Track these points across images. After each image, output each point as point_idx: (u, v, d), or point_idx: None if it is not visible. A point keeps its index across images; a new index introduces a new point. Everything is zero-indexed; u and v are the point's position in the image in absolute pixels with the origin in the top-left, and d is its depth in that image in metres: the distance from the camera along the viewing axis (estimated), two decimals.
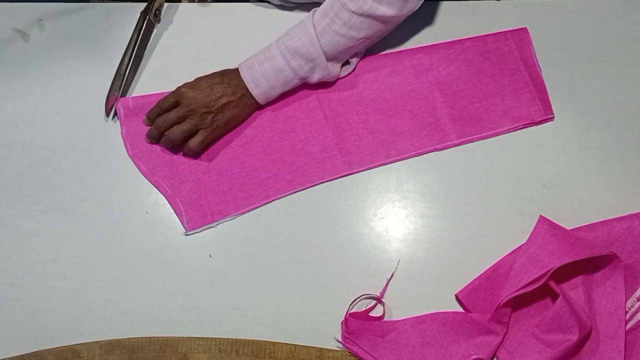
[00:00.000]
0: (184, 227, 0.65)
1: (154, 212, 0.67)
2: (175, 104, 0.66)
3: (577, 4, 0.73)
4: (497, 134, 0.68)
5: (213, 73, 0.67)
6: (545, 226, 0.61)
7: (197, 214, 0.66)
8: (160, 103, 0.67)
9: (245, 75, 0.66)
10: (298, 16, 0.74)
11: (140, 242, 0.65)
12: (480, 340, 0.59)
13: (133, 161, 0.68)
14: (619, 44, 0.71)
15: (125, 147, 0.69)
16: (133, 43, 0.70)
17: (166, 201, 0.67)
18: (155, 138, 0.68)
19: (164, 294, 0.63)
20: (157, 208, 0.67)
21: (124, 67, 0.70)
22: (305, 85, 0.70)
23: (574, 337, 0.55)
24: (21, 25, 0.76)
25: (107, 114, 0.70)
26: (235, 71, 0.67)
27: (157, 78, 0.72)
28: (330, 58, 0.66)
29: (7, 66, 0.74)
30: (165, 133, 0.67)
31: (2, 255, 0.66)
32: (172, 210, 0.66)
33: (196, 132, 0.66)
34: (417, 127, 0.68)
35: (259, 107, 0.69)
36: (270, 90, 0.66)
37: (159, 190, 0.67)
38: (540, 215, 0.63)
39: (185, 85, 0.66)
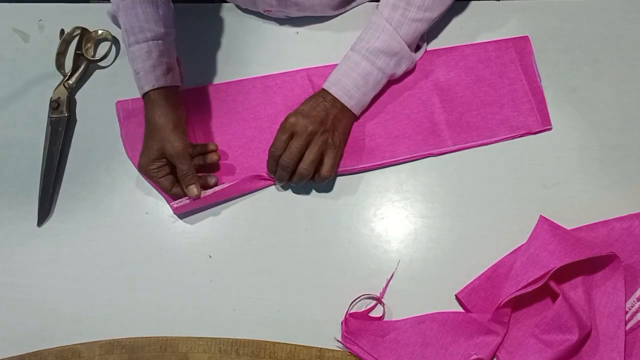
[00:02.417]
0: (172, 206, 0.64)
1: (154, 212, 0.67)
2: (289, 139, 0.63)
3: (577, 4, 0.73)
4: (493, 142, 0.68)
5: (304, 101, 0.65)
6: (546, 226, 0.61)
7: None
8: (275, 148, 0.63)
9: (335, 92, 0.64)
10: (289, 29, 0.75)
11: (140, 242, 0.65)
12: (480, 340, 0.59)
13: (132, 162, 0.68)
14: (619, 44, 0.71)
15: (125, 148, 0.69)
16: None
17: (166, 201, 0.67)
18: (286, 179, 0.64)
19: (164, 294, 0.63)
20: (157, 208, 0.67)
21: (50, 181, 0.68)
22: (301, 88, 0.70)
23: (573, 337, 0.55)
24: (21, 25, 0.76)
25: (40, 223, 0.67)
26: (321, 92, 0.66)
27: None
28: (411, 47, 0.66)
29: (7, 66, 0.74)
30: (297, 170, 0.63)
31: (2, 255, 0.66)
32: (172, 211, 0.66)
33: (322, 160, 0.63)
34: (414, 131, 0.68)
35: (356, 119, 0.68)
36: (363, 97, 0.66)
37: (158, 192, 0.67)
38: (541, 215, 0.63)
39: (289, 116, 0.63)
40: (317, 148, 0.62)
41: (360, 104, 0.66)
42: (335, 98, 0.64)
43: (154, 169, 0.63)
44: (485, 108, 0.69)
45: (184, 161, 0.62)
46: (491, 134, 0.68)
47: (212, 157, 0.67)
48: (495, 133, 0.68)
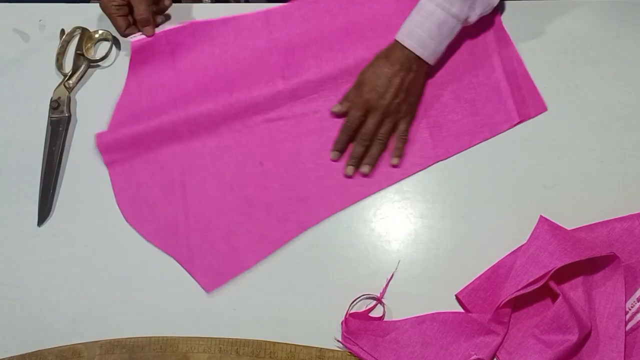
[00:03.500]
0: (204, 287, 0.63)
1: None
2: (365, 115, 0.65)
3: (577, 4, 0.73)
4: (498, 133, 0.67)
5: (374, 62, 0.66)
6: (546, 226, 0.61)
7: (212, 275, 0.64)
8: (349, 125, 0.65)
9: (409, 44, 0.63)
10: None
11: (140, 242, 0.65)
12: (480, 340, 0.59)
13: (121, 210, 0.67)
14: (619, 44, 0.71)
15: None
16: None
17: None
18: (362, 153, 0.66)
19: (164, 294, 0.63)
20: None
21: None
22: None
23: (573, 338, 0.55)
24: (21, 25, 0.76)
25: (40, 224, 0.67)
26: (395, 46, 0.64)
27: None
28: None
29: (7, 66, 0.74)
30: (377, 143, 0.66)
31: (2, 255, 0.66)
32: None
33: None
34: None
35: (430, 68, 0.67)
36: (437, 47, 0.64)
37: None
38: (541, 215, 0.63)
39: (362, 88, 0.65)
40: (392, 119, 0.65)
41: (434, 54, 0.65)
42: (408, 51, 0.63)
43: (115, 6, 0.69)
44: (472, 105, 0.69)
45: (142, 1, 0.69)
46: (489, 129, 0.68)
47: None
48: (493, 127, 0.68)
